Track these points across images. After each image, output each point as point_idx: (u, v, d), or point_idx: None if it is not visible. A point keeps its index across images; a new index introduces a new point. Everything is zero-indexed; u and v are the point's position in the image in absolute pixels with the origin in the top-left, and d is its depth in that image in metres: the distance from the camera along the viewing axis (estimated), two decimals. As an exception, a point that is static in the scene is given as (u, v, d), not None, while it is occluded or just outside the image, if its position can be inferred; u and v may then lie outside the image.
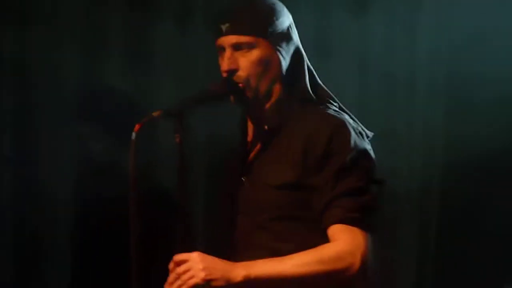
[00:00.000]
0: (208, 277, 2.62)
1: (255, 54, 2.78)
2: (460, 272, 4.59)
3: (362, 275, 2.67)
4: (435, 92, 4.56)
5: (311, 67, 2.90)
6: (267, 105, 2.85)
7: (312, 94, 2.85)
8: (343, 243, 2.66)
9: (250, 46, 2.78)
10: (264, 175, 2.80)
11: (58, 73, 4.34)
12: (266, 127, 2.86)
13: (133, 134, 2.70)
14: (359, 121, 2.84)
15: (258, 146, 2.87)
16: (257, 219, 2.79)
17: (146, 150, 3.01)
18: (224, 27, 2.78)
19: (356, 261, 2.64)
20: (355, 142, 2.72)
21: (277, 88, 2.84)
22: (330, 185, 2.69)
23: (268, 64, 2.80)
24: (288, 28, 2.86)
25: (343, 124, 2.74)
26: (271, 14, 2.81)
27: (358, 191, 2.69)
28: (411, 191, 4.54)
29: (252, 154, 2.88)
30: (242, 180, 2.85)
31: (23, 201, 4.36)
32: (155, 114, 2.74)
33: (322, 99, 2.86)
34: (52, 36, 4.30)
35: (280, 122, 2.83)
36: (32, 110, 4.34)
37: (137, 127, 2.71)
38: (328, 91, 2.90)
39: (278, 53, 2.81)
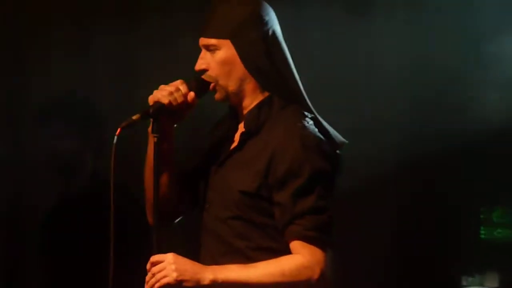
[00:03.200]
0: (179, 278, 2.79)
1: (219, 55, 2.91)
2: (418, 270, 4.96)
3: (320, 286, 2.82)
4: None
5: (295, 74, 3.00)
6: (245, 108, 2.96)
7: (292, 101, 2.95)
8: (302, 257, 2.81)
9: (215, 48, 2.91)
10: (231, 177, 2.93)
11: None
12: (243, 129, 2.96)
13: (115, 138, 2.81)
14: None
15: (235, 145, 2.98)
16: (220, 214, 2.94)
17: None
18: (200, 30, 2.94)
19: (315, 275, 2.80)
20: (317, 163, 2.84)
21: (249, 89, 2.96)
22: (290, 203, 2.82)
23: (232, 65, 2.92)
24: (259, 27, 2.96)
25: (309, 144, 2.85)
26: (235, 16, 2.93)
27: (316, 210, 2.82)
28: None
29: (228, 151, 2.98)
30: (215, 172, 2.98)
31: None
32: (134, 117, 2.84)
33: (302, 107, 2.96)
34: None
35: (257, 126, 2.94)
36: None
37: (118, 130, 2.81)
38: (307, 101, 3.00)
39: (242, 53, 2.92)
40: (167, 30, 4.80)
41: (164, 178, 3.00)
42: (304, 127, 2.89)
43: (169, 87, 2.90)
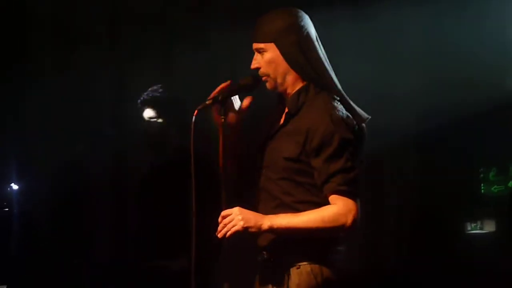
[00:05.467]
0: (245, 225, 3.11)
1: (267, 55, 3.27)
2: (430, 219, 5.52)
3: (352, 231, 3.14)
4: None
5: (327, 66, 3.28)
6: (289, 94, 3.29)
7: (327, 84, 3.26)
8: (338, 207, 3.12)
9: (263, 50, 3.27)
10: (278, 146, 3.25)
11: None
12: (287, 110, 3.30)
13: (193, 117, 3.16)
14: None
15: (281, 123, 3.31)
16: (271, 176, 3.25)
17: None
18: (252, 37, 3.32)
19: (348, 220, 3.11)
20: (344, 134, 3.14)
21: (291, 80, 3.27)
22: (325, 166, 3.14)
23: (277, 62, 3.25)
24: (296, 31, 3.25)
25: (337, 120, 3.16)
26: (276, 24, 3.25)
27: (345, 170, 3.13)
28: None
29: (277, 127, 3.32)
30: (267, 144, 3.30)
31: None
32: (207, 102, 3.23)
33: (332, 92, 3.25)
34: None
35: (298, 107, 3.25)
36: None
37: (195, 112, 3.18)
38: (338, 86, 3.28)
39: (284, 52, 3.24)
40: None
41: (234, 151, 3.32)
42: (333, 106, 3.22)
43: (228, 82, 3.30)
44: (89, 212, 5.09)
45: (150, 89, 4.69)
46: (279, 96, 3.37)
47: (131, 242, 4.79)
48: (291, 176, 3.21)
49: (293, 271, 3.19)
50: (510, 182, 5.52)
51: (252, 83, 3.30)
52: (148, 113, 4.59)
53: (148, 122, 4.59)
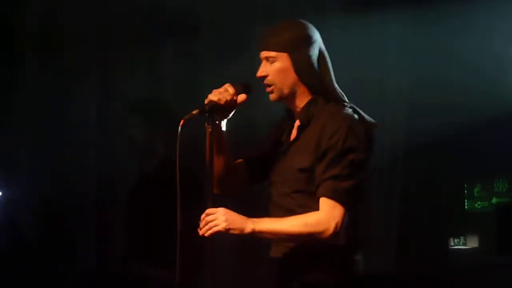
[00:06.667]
0: (228, 226, 3.09)
1: (277, 65, 3.26)
2: (416, 232, 5.59)
3: (334, 238, 3.11)
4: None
5: (334, 79, 3.32)
6: (297, 107, 3.30)
7: (334, 96, 3.28)
8: (322, 213, 3.11)
9: (273, 59, 3.26)
10: (291, 160, 3.26)
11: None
12: (299, 122, 3.31)
13: (179, 128, 3.14)
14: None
15: (293, 136, 3.32)
16: (284, 190, 3.26)
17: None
18: (260, 45, 3.31)
19: (330, 227, 3.09)
20: (348, 141, 3.14)
21: (301, 91, 3.28)
22: (322, 171, 3.14)
23: (287, 72, 3.25)
24: (309, 44, 3.26)
25: (344, 125, 3.17)
26: (291, 35, 3.25)
27: (339, 177, 3.12)
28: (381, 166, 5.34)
29: (289, 141, 3.32)
30: (279, 159, 3.31)
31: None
32: (194, 112, 3.21)
33: (340, 100, 3.29)
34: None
35: (309, 119, 3.26)
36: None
37: (182, 122, 3.16)
38: (344, 97, 3.31)
39: (296, 65, 3.25)
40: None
41: (220, 160, 3.27)
42: (343, 113, 3.24)
43: (219, 90, 3.25)
44: (75, 220, 5.12)
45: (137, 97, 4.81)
46: (288, 111, 3.39)
47: (117, 250, 4.84)
48: (305, 188, 3.22)
49: None
50: (494, 199, 5.56)
51: (242, 91, 3.29)
52: (135, 120, 4.65)
53: (134, 129, 4.64)
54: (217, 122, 3.23)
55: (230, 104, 3.24)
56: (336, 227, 3.10)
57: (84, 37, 5.15)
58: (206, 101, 3.23)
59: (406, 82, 5.48)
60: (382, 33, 5.40)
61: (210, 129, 3.21)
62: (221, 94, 3.23)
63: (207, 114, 3.21)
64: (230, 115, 3.28)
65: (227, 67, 5.02)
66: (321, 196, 3.14)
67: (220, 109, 3.22)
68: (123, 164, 5.09)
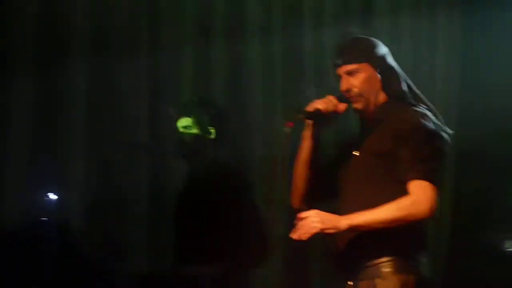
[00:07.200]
0: (323, 227, 3.22)
1: (362, 75, 3.47)
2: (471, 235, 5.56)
3: (430, 217, 3.26)
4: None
5: (407, 78, 3.54)
6: (375, 107, 3.50)
7: (403, 97, 3.48)
8: (416, 195, 3.25)
9: (356, 71, 3.46)
10: (368, 147, 3.43)
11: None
12: (373, 119, 3.50)
13: (289, 129, 3.38)
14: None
15: (367, 130, 3.51)
16: (361, 179, 3.42)
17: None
18: (338, 61, 3.49)
19: (426, 208, 3.24)
20: (428, 129, 3.34)
21: (380, 96, 3.49)
22: (410, 156, 3.29)
23: (371, 81, 3.46)
24: (383, 53, 3.49)
25: (421, 116, 3.37)
26: (369, 46, 3.48)
27: (428, 160, 3.29)
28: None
29: (363, 140, 3.50)
30: (353, 153, 3.47)
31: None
32: (300, 116, 3.45)
33: (413, 99, 3.49)
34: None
35: (382, 116, 3.47)
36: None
37: (291, 124, 3.42)
38: (420, 96, 3.53)
39: (378, 72, 3.46)
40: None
41: (312, 169, 3.50)
42: (421, 111, 3.44)
43: (324, 99, 3.47)
44: (124, 221, 5.12)
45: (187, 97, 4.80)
46: (361, 121, 3.57)
47: (166, 251, 4.80)
48: (379, 171, 3.38)
49: (379, 283, 3.35)
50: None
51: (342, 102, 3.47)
52: (183, 122, 4.59)
53: (183, 132, 4.58)
54: (318, 130, 3.45)
55: (332, 114, 3.44)
56: (431, 207, 3.24)
57: (136, 38, 5.17)
58: (310, 109, 3.42)
59: (456, 84, 5.59)
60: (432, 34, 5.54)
61: (310, 136, 3.49)
62: (326, 103, 3.42)
63: (311, 121, 3.45)
64: (329, 123, 3.49)
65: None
66: (412, 178, 3.27)
67: (323, 118, 3.42)
68: (174, 165, 5.08)
